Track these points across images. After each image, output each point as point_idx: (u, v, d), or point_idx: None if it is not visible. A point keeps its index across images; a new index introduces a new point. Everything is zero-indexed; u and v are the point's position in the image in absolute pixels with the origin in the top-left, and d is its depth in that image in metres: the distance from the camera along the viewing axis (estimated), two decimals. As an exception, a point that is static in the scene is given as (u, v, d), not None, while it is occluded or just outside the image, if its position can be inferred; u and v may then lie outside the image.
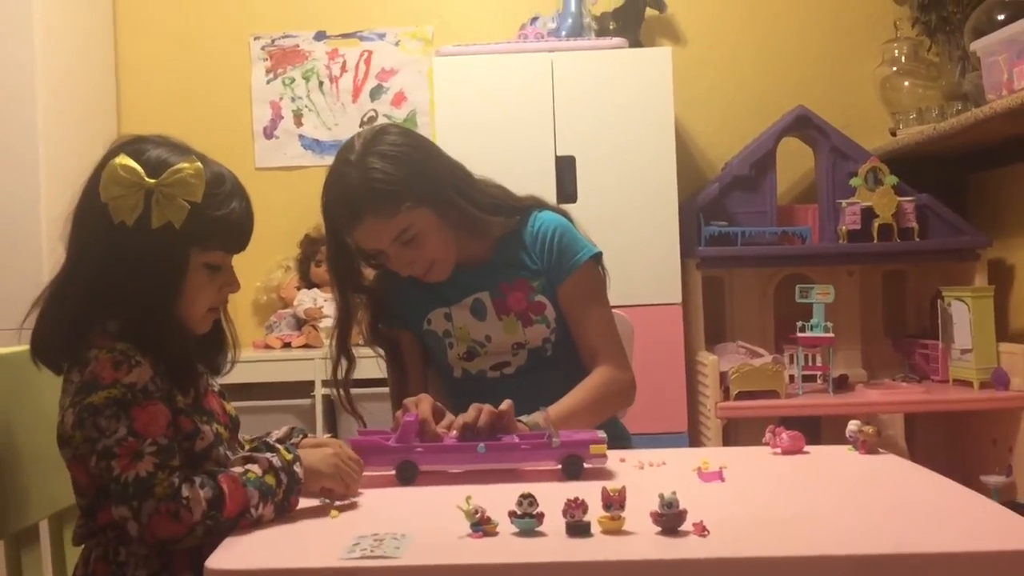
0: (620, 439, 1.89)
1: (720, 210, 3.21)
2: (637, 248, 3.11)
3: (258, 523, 1.23)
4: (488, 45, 3.32)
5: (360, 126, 3.55)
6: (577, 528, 1.12)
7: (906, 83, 3.46)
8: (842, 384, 3.01)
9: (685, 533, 1.11)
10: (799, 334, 2.92)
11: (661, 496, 1.11)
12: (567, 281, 1.82)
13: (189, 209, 1.31)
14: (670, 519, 1.11)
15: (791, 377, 2.95)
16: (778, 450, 1.58)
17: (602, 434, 1.46)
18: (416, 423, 1.47)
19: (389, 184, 1.67)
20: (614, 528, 1.12)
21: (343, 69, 3.72)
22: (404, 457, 1.43)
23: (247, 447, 1.43)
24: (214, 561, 1.07)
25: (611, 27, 3.45)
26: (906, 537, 1.11)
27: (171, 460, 1.23)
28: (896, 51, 3.48)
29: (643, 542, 1.09)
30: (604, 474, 1.42)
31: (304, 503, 1.30)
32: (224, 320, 1.48)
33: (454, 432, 1.51)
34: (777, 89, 3.58)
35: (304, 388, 3.24)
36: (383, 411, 1.84)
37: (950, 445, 3.22)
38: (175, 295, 1.34)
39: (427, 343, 1.87)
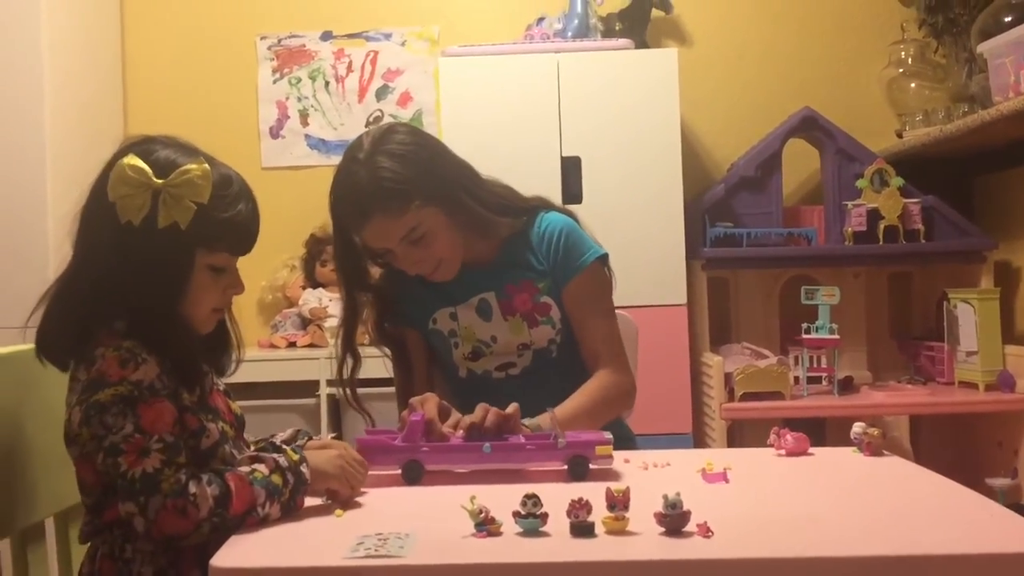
0: (625, 440, 1.89)
1: (726, 211, 3.21)
2: (642, 249, 3.11)
3: (264, 522, 1.23)
4: (494, 46, 3.32)
5: (366, 126, 3.56)
6: (581, 528, 1.12)
7: (912, 85, 3.45)
8: (847, 386, 3.01)
9: (689, 534, 1.11)
10: (804, 335, 2.92)
11: (665, 497, 1.11)
12: (572, 282, 1.82)
13: (195, 210, 1.32)
14: (674, 520, 1.11)
15: (796, 379, 2.94)
16: (782, 452, 1.58)
17: (608, 435, 1.46)
18: (422, 423, 1.47)
19: (398, 183, 1.67)
20: (618, 529, 1.12)
21: (349, 69, 3.73)
22: (410, 457, 1.43)
23: (252, 448, 1.44)
24: (219, 559, 1.07)
25: (617, 28, 3.45)
26: (910, 539, 1.10)
27: (177, 457, 1.24)
28: (903, 53, 3.48)
29: (647, 543, 1.09)
30: (608, 475, 1.42)
31: (309, 502, 1.30)
32: (229, 321, 1.49)
33: (460, 432, 1.51)
34: (783, 90, 3.58)
35: (309, 388, 3.24)
36: (389, 411, 1.85)
37: (955, 447, 3.22)
38: (179, 295, 1.35)
39: (432, 342, 1.87)
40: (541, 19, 3.51)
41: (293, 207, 3.47)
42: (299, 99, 3.73)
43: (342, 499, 1.32)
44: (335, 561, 1.05)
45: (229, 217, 1.36)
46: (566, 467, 1.43)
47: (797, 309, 3.01)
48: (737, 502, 1.29)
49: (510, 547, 1.09)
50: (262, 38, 3.74)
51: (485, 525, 1.13)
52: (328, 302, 3.50)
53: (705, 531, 1.10)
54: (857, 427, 1.57)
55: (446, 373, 1.89)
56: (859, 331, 3.29)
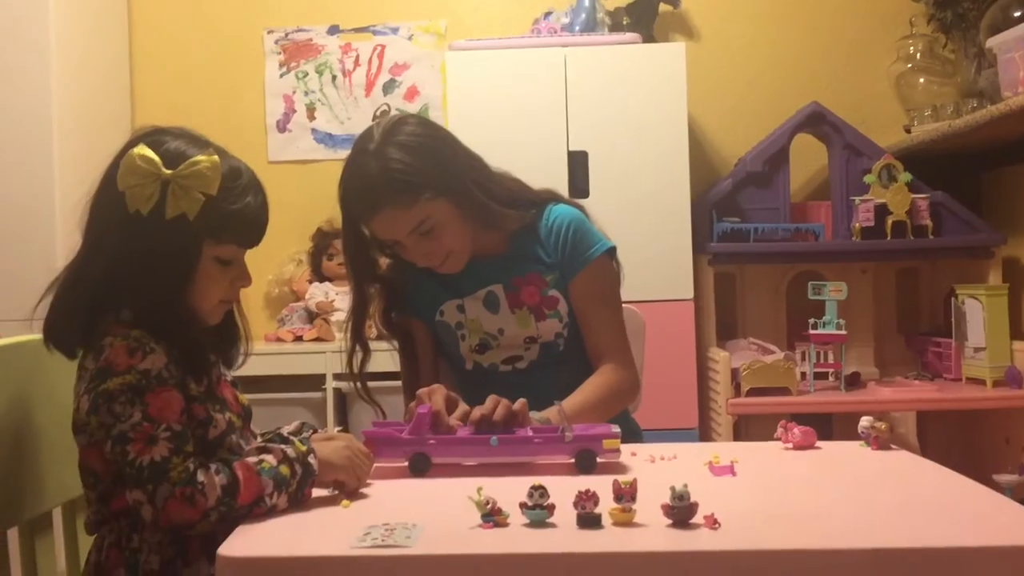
0: (632, 435, 1.89)
1: (733, 206, 3.20)
2: (649, 244, 3.10)
3: (271, 512, 1.24)
4: (501, 40, 3.32)
5: (373, 120, 3.55)
6: (588, 520, 1.12)
7: (921, 80, 3.44)
8: (854, 382, 3.01)
9: (696, 526, 1.10)
10: (811, 331, 2.91)
11: (672, 489, 1.11)
12: (579, 275, 1.81)
13: (203, 202, 1.32)
14: (681, 512, 1.11)
15: (803, 374, 2.94)
16: (790, 445, 1.57)
17: (616, 428, 1.46)
18: (429, 415, 1.47)
19: (408, 175, 1.66)
20: (625, 520, 1.12)
21: (356, 63, 3.73)
22: (417, 449, 1.43)
23: (260, 439, 1.44)
24: (227, 548, 1.07)
25: (624, 22, 3.45)
26: (918, 531, 1.10)
27: (185, 446, 1.24)
28: (911, 48, 3.46)
29: (654, 534, 1.09)
30: (615, 468, 1.42)
31: (316, 493, 1.30)
32: (237, 313, 1.49)
33: (468, 424, 1.51)
34: (791, 85, 3.57)
35: (316, 381, 3.25)
36: (398, 404, 1.85)
37: (962, 444, 3.21)
38: (186, 286, 1.35)
39: (439, 334, 1.86)
40: (548, 13, 3.50)
41: (300, 201, 3.47)
42: (306, 93, 3.73)
43: (348, 490, 1.32)
44: (342, 551, 1.05)
45: (237, 209, 1.36)
46: (573, 460, 1.42)
47: (804, 305, 3.00)
48: (744, 495, 1.29)
49: (517, 538, 1.09)
50: (269, 32, 3.74)
51: (492, 516, 1.13)
52: (335, 296, 3.50)
53: (712, 523, 1.10)
54: (864, 421, 1.56)
55: (453, 366, 1.89)
56: (866, 327, 3.28)
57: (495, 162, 1.86)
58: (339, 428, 3.19)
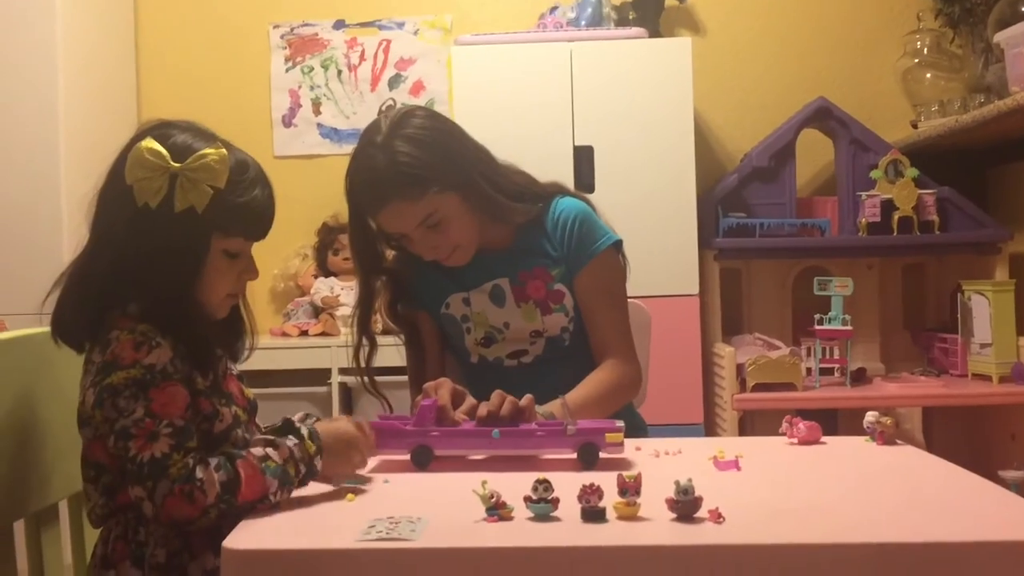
0: (637, 429, 1.89)
1: (738, 201, 3.20)
2: (655, 239, 3.10)
3: (274, 507, 1.24)
4: (507, 34, 3.31)
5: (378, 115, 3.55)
6: (592, 514, 1.12)
7: (928, 75, 3.43)
8: (860, 377, 3.00)
9: (700, 520, 1.10)
10: (817, 327, 2.91)
11: (677, 483, 1.11)
12: (585, 269, 1.81)
13: (212, 194, 1.32)
14: (685, 506, 1.11)
15: (808, 370, 2.94)
16: (795, 440, 1.57)
17: (619, 423, 1.45)
18: (434, 407, 1.47)
19: (416, 168, 1.65)
20: (629, 514, 1.12)
21: (362, 58, 3.73)
22: (419, 441, 1.43)
23: (264, 430, 1.44)
24: (232, 541, 1.07)
25: (630, 17, 3.44)
26: (922, 526, 1.10)
27: (187, 442, 1.24)
28: (918, 42, 3.45)
29: (658, 528, 1.09)
30: (620, 462, 1.42)
31: (320, 487, 1.31)
32: (243, 307, 1.49)
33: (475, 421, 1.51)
34: (797, 80, 3.56)
35: (321, 376, 3.25)
36: (404, 398, 1.85)
37: (968, 440, 3.20)
38: (194, 279, 1.35)
39: (445, 327, 1.86)
40: (554, 8, 3.50)
41: (305, 196, 3.48)
42: (311, 88, 3.73)
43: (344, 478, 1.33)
44: (347, 544, 1.05)
45: (245, 202, 1.37)
46: (575, 455, 1.42)
47: (810, 300, 3.00)
48: (749, 489, 1.28)
49: (521, 532, 1.09)
50: (275, 27, 3.74)
51: (496, 510, 1.13)
52: (340, 291, 3.50)
53: (717, 517, 1.10)
54: (870, 416, 1.56)
55: (458, 359, 1.89)
56: (872, 322, 3.27)
57: (501, 156, 1.85)
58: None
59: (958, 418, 3.23)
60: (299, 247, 3.64)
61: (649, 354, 2.10)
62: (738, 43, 3.65)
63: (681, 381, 3.10)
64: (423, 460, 1.43)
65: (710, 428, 3.15)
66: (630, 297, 1.90)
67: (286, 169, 3.62)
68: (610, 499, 1.12)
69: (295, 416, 1.41)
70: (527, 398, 1.52)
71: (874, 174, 3.09)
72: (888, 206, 3.06)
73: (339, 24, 3.74)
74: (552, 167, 2.88)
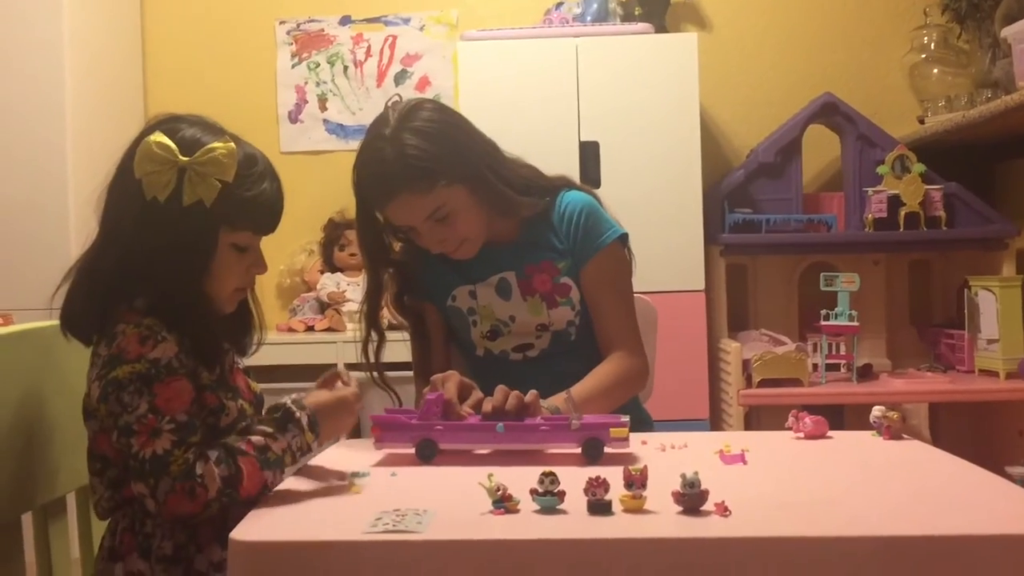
0: (643, 424, 1.88)
1: (745, 197, 3.19)
2: (661, 234, 3.09)
3: (281, 499, 1.25)
4: (513, 30, 3.31)
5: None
6: (598, 506, 1.12)
7: (935, 70, 3.42)
8: (866, 373, 3.00)
9: (707, 513, 1.10)
10: (823, 322, 2.91)
11: (683, 476, 1.11)
12: (591, 262, 1.80)
13: (220, 188, 1.32)
14: (691, 499, 1.11)
15: (814, 365, 2.93)
16: (801, 435, 1.57)
17: (625, 418, 1.45)
18: (439, 401, 1.47)
19: (424, 161, 1.65)
20: (635, 507, 1.12)
21: (368, 54, 3.73)
22: (424, 435, 1.43)
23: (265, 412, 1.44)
24: (239, 533, 1.08)
25: (636, 12, 3.44)
26: (929, 519, 1.10)
27: (190, 436, 1.25)
28: (925, 38, 3.44)
29: (664, 521, 1.09)
30: (625, 456, 1.41)
31: (326, 481, 1.31)
32: (252, 302, 1.50)
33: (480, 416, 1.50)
34: (804, 76, 3.56)
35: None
36: (412, 393, 1.84)
37: (975, 436, 3.20)
38: (203, 273, 1.36)
39: (451, 319, 1.86)
40: (560, 3, 3.50)
41: (311, 192, 3.48)
42: (318, 84, 3.74)
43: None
44: (354, 536, 1.05)
45: (253, 196, 1.37)
46: (580, 449, 1.42)
47: (816, 296, 2.99)
48: (755, 483, 1.28)
49: (527, 524, 1.09)
50: (281, 23, 3.75)
51: (503, 502, 1.13)
52: (346, 286, 3.51)
53: (723, 510, 1.10)
54: (876, 410, 1.56)
55: (463, 351, 1.89)
56: (879, 318, 3.27)
57: (507, 152, 1.85)
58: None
59: (965, 414, 3.22)
60: (305, 243, 3.64)
61: (655, 350, 2.09)
62: (744, 38, 3.64)
63: (687, 377, 3.10)
64: (428, 454, 1.43)
65: (716, 424, 3.15)
66: (636, 293, 1.90)
67: (292, 165, 3.62)
68: (616, 492, 1.13)
69: (289, 400, 1.40)
70: (532, 393, 1.51)
71: (881, 170, 3.08)
72: (895, 202, 3.06)
73: (345, 20, 3.74)
74: (558, 163, 2.88)
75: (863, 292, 3.01)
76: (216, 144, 1.33)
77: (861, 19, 3.61)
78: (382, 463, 1.42)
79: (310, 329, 3.45)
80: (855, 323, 2.88)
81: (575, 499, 1.13)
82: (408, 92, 3.69)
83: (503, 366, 1.83)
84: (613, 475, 1.14)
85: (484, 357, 1.86)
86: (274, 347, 3.14)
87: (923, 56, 3.45)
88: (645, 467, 1.13)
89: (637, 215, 2.95)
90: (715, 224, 3.17)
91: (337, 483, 1.30)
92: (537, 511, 1.13)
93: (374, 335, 1.79)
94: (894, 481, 1.30)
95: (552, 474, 1.13)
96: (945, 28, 3.42)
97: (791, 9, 3.64)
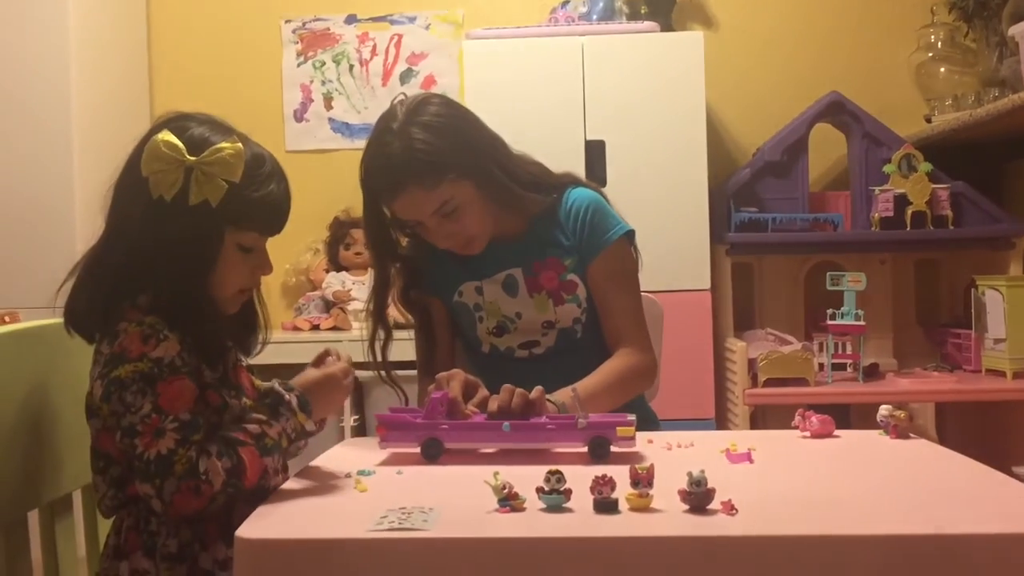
0: (649, 423, 1.88)
1: (751, 196, 3.19)
2: (666, 233, 3.09)
3: (287, 496, 1.25)
4: (518, 28, 3.31)
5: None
6: (604, 505, 1.12)
7: (942, 69, 3.41)
8: (872, 373, 2.99)
9: (713, 511, 1.10)
10: (829, 322, 2.90)
11: (689, 474, 1.11)
12: (598, 258, 1.80)
13: (227, 188, 1.32)
14: (698, 497, 1.11)
15: (821, 365, 2.93)
16: (808, 433, 1.56)
17: (631, 417, 1.44)
18: (444, 400, 1.47)
19: (432, 155, 1.65)
20: (642, 505, 1.12)
21: (373, 52, 3.73)
22: (429, 434, 1.43)
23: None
24: (245, 531, 1.08)
25: (642, 11, 3.44)
26: (937, 518, 1.09)
27: (193, 435, 1.25)
28: (932, 36, 3.44)
29: (671, 519, 1.09)
30: (631, 455, 1.41)
31: (331, 479, 1.31)
32: (258, 302, 1.49)
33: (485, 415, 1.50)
34: (810, 74, 3.55)
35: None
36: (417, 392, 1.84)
37: (982, 435, 3.19)
38: (207, 273, 1.35)
39: (457, 315, 1.86)
40: (566, 2, 3.50)
41: (317, 191, 3.48)
42: (323, 83, 3.74)
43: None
44: (359, 534, 1.05)
45: (260, 197, 1.36)
46: (586, 448, 1.41)
47: (822, 295, 2.98)
48: (762, 481, 1.28)
49: (533, 522, 1.09)
50: (287, 21, 3.75)
51: (508, 500, 1.13)
52: (351, 285, 3.51)
53: (729, 509, 1.09)
54: (883, 409, 1.55)
55: (469, 348, 1.89)
56: (885, 318, 3.26)
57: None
58: (355, 416, 3.20)
59: (971, 414, 3.21)
60: (311, 242, 3.64)
61: (661, 349, 2.09)
62: (751, 37, 3.64)
63: (693, 376, 3.09)
64: (433, 453, 1.43)
65: (721, 423, 3.15)
66: (642, 291, 1.90)
67: (298, 164, 3.62)
68: (622, 490, 1.12)
69: (277, 383, 1.40)
70: (537, 390, 1.51)
71: (887, 169, 3.07)
72: (901, 201, 3.05)
73: (351, 19, 3.74)
74: (564, 162, 2.87)
75: (869, 291, 3.01)
76: (224, 144, 1.33)
77: (868, 18, 3.61)
78: (388, 461, 1.42)
79: (315, 328, 3.45)
80: (861, 322, 2.88)
81: (581, 497, 1.13)
82: (413, 91, 3.65)
83: (509, 363, 1.82)
84: (619, 473, 1.14)
85: (490, 354, 1.85)
86: (279, 346, 3.12)
87: (930, 55, 3.44)
88: (651, 465, 1.13)
89: (643, 214, 2.93)
90: (721, 223, 3.17)
91: (343, 481, 1.30)
92: (543, 509, 1.12)
93: (381, 331, 1.79)
94: (901, 480, 1.29)
95: (558, 472, 1.13)
96: (952, 26, 3.41)
97: (798, 8, 3.63)
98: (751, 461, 1.38)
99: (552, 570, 1.03)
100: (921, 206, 3.04)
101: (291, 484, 1.31)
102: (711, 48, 3.26)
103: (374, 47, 3.73)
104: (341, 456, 1.49)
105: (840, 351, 2.95)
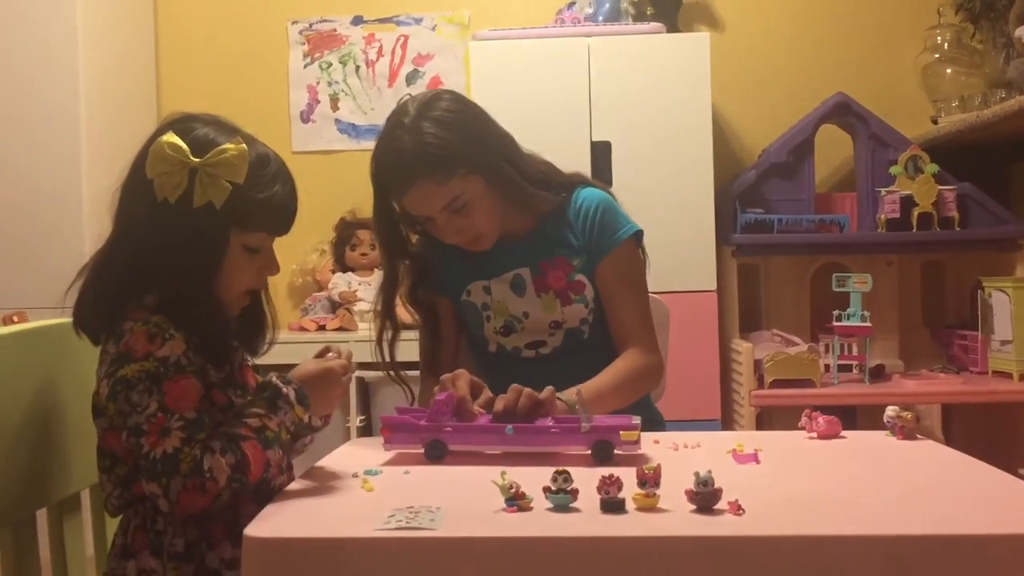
0: (655, 424, 1.88)
1: (757, 197, 3.19)
2: (672, 234, 3.09)
3: (295, 495, 1.25)
4: (525, 29, 3.32)
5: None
6: (611, 505, 1.12)
7: (948, 70, 3.41)
8: (878, 374, 2.99)
9: (720, 511, 1.10)
10: (835, 323, 2.90)
11: (696, 474, 1.11)
12: (607, 258, 1.80)
13: (231, 190, 1.32)
14: (705, 497, 1.11)
15: (827, 366, 2.92)
16: (814, 434, 1.56)
17: (636, 419, 1.44)
18: (449, 402, 1.47)
19: (443, 150, 1.65)
20: (648, 505, 1.12)
21: (380, 54, 3.74)
22: (433, 436, 1.43)
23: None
24: (253, 529, 1.08)
25: (648, 12, 3.43)
26: (944, 518, 1.09)
27: (198, 433, 1.25)
28: (939, 38, 3.43)
29: (677, 519, 1.09)
30: (637, 456, 1.40)
31: (338, 479, 1.31)
32: (265, 302, 1.49)
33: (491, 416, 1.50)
34: (816, 75, 3.55)
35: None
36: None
37: (988, 437, 3.18)
38: (212, 274, 1.35)
39: (464, 314, 1.86)
40: (572, 3, 3.50)
41: (323, 191, 3.49)
42: (330, 84, 3.74)
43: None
44: (367, 533, 1.05)
45: (265, 198, 1.36)
46: (589, 452, 1.41)
47: (828, 296, 2.98)
48: (768, 482, 1.28)
49: (540, 522, 1.09)
50: (293, 23, 3.76)
51: (516, 500, 1.13)
52: (357, 286, 3.52)
53: (736, 509, 1.09)
54: (890, 410, 1.55)
55: (475, 347, 1.89)
56: (891, 319, 3.26)
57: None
58: (361, 417, 3.21)
59: (978, 416, 3.21)
60: (317, 242, 3.65)
61: (667, 350, 2.09)
62: (756, 38, 3.64)
63: (698, 377, 3.09)
64: (436, 455, 1.42)
65: (727, 424, 3.15)
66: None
67: (304, 165, 3.61)
68: (629, 490, 1.12)
69: (275, 377, 1.41)
70: (548, 390, 1.50)
71: (894, 170, 3.07)
72: (908, 202, 3.05)
73: (357, 20, 3.75)
74: (570, 162, 2.87)
75: (876, 293, 3.00)
76: (228, 145, 1.33)
77: (874, 19, 3.60)
78: (395, 461, 1.42)
79: (322, 328, 3.45)
80: (867, 324, 2.87)
81: (588, 497, 1.13)
82: (420, 92, 3.70)
83: (515, 363, 1.82)
84: (626, 473, 1.14)
85: (496, 353, 1.85)
86: (285, 346, 3.10)
87: (936, 56, 3.43)
88: (658, 465, 1.13)
89: (649, 215, 2.92)
90: (727, 224, 3.16)
91: (350, 481, 1.31)
92: (550, 509, 1.12)
93: (389, 328, 1.79)
94: (908, 481, 1.29)
95: (565, 472, 1.13)
96: (959, 28, 3.40)
97: (804, 9, 3.63)
98: (758, 462, 1.37)
99: (559, 570, 1.03)
100: (927, 207, 3.03)
101: (298, 484, 1.31)
102: (717, 49, 3.26)
103: (380, 48, 3.74)
104: (348, 456, 1.49)
105: (846, 352, 2.94)
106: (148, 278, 1.33)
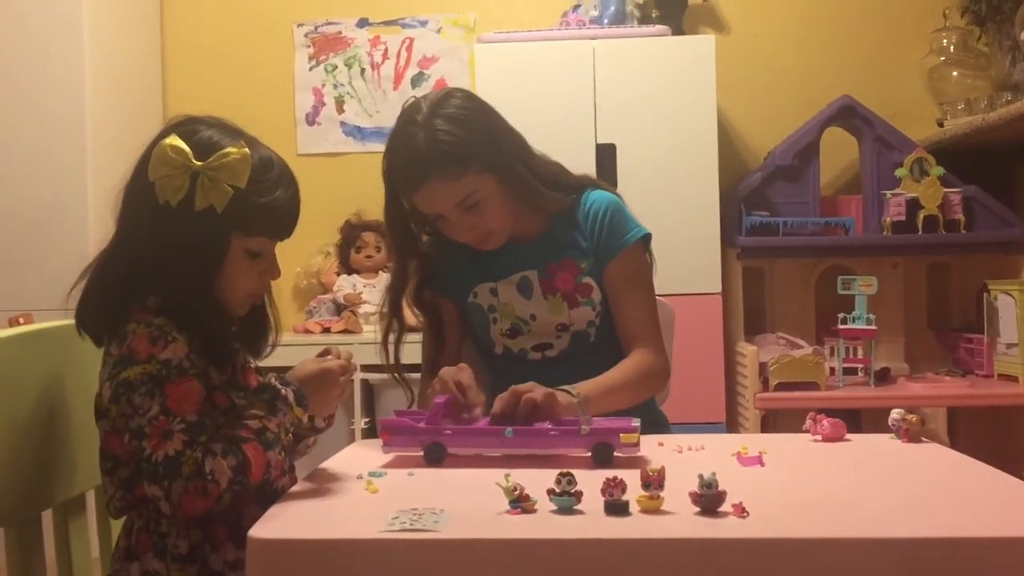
0: (659, 426, 1.88)
1: (762, 200, 3.18)
2: (678, 237, 3.08)
3: (299, 496, 1.26)
4: (530, 32, 3.32)
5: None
6: (615, 507, 1.12)
7: (954, 73, 3.40)
8: (884, 377, 2.98)
9: (724, 514, 1.10)
10: (841, 326, 2.89)
11: (700, 477, 1.11)
12: (615, 260, 1.80)
13: (232, 194, 1.32)
14: (709, 500, 1.11)
15: (832, 369, 2.92)
16: (819, 437, 1.56)
17: (636, 422, 1.43)
18: (447, 404, 1.47)
19: (456, 146, 1.65)
20: (652, 508, 1.12)
21: (385, 56, 3.74)
22: (432, 439, 1.43)
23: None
24: (257, 531, 1.08)
25: (654, 15, 3.43)
26: (949, 521, 1.09)
27: (200, 436, 1.25)
28: (944, 40, 3.43)
29: (681, 522, 1.09)
30: (641, 458, 1.41)
31: (342, 481, 1.32)
32: (269, 305, 1.49)
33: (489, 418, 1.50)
34: (822, 78, 3.54)
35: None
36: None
37: (994, 440, 3.17)
38: (214, 277, 1.35)
39: (471, 316, 1.86)
40: (577, 5, 3.50)
41: (328, 194, 3.50)
42: (335, 86, 3.75)
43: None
44: (371, 534, 1.05)
45: (267, 202, 1.36)
46: (589, 454, 1.40)
47: (834, 299, 2.98)
48: (773, 484, 1.28)
49: (544, 524, 1.09)
50: (299, 25, 3.77)
51: (520, 502, 1.13)
52: (362, 288, 3.52)
53: (740, 511, 1.09)
54: (895, 413, 1.55)
55: (481, 349, 1.89)
56: (897, 322, 3.25)
57: (528, 149, 1.85)
58: (365, 419, 3.21)
59: (983, 419, 3.20)
60: (322, 244, 3.65)
61: (672, 352, 2.09)
62: (762, 41, 3.63)
63: (703, 380, 3.09)
64: (436, 458, 1.42)
65: (732, 427, 3.14)
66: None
67: (309, 167, 3.63)
68: (633, 493, 1.12)
69: (273, 378, 1.40)
70: (546, 394, 1.49)
71: (899, 172, 3.07)
72: (913, 205, 3.04)
73: (362, 22, 3.75)
74: (575, 165, 2.87)
75: (881, 295, 3.00)
76: (230, 149, 1.33)
77: (880, 21, 3.60)
78: (399, 463, 1.42)
79: (326, 331, 3.46)
80: (873, 327, 2.87)
81: (592, 499, 1.13)
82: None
83: (522, 365, 1.82)
84: (630, 476, 1.14)
85: (503, 355, 1.85)
86: (290, 348, 3.12)
87: (942, 58, 3.43)
88: (662, 468, 1.13)
89: (654, 217, 2.90)
90: (732, 227, 3.16)
91: (354, 483, 1.31)
92: (554, 511, 1.12)
93: (395, 326, 1.79)
94: (913, 483, 1.29)
95: (569, 474, 1.13)
96: (965, 30, 3.40)
97: (809, 11, 3.63)
98: (762, 464, 1.37)
99: (563, 571, 1.03)
100: (933, 210, 3.03)
101: (302, 485, 1.31)
102: (722, 52, 3.26)
103: (386, 51, 3.74)
104: (352, 458, 1.49)
105: (851, 355, 2.94)
106: (150, 280, 1.33)
